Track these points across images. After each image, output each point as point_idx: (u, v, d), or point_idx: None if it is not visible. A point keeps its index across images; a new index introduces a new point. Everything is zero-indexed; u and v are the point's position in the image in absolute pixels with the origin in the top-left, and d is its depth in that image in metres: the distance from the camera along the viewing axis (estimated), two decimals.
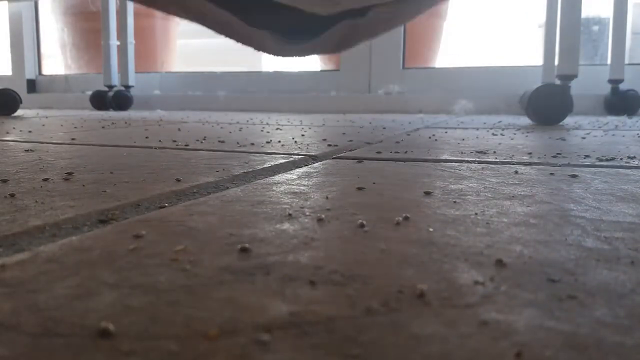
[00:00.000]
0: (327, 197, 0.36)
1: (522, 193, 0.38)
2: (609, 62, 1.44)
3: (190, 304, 0.19)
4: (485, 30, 2.27)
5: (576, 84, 1.22)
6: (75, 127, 1.04)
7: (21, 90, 2.12)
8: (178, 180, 0.43)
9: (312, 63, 2.16)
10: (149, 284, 0.20)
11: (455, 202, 0.35)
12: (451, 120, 1.28)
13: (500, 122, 1.22)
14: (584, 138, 0.81)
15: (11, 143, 0.73)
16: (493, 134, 0.87)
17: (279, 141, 0.74)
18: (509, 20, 2.30)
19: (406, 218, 0.30)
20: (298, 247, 0.25)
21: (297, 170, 0.49)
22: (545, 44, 1.46)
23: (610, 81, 1.45)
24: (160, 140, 0.76)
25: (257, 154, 0.59)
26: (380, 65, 1.83)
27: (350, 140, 0.76)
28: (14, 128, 1.02)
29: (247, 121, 1.25)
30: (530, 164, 0.53)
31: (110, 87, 1.98)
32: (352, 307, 0.18)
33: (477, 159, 0.56)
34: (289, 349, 0.15)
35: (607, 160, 0.55)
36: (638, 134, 0.87)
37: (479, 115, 1.52)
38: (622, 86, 1.46)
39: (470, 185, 0.41)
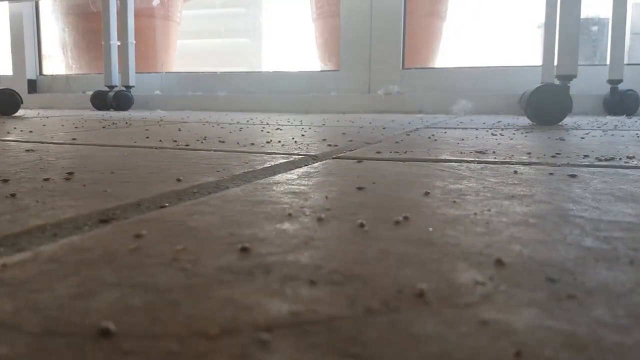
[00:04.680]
0: (327, 197, 0.36)
1: (521, 193, 0.38)
2: (608, 62, 1.44)
3: (190, 304, 0.19)
4: (484, 30, 2.27)
5: (575, 84, 1.22)
6: (76, 127, 1.04)
7: (22, 90, 2.12)
8: (178, 180, 0.43)
9: (312, 63, 2.16)
10: (149, 283, 0.20)
11: (454, 202, 0.35)
12: (450, 121, 1.28)
13: (499, 122, 1.22)
14: (583, 138, 0.81)
15: (12, 143, 0.73)
16: (492, 134, 0.87)
17: (279, 141, 0.74)
18: (508, 20, 2.30)
19: (406, 218, 0.31)
20: (298, 247, 0.25)
21: (297, 170, 0.49)
22: (544, 44, 1.46)
23: (610, 81, 1.45)
24: (160, 140, 0.76)
25: (258, 154, 0.59)
26: (380, 66, 1.83)
27: (350, 140, 0.76)
28: (14, 128, 1.02)
29: (247, 121, 1.25)
30: (529, 163, 0.53)
31: (111, 87, 1.98)
32: (352, 307, 0.18)
33: (477, 159, 0.56)
34: (289, 348, 0.15)
35: (606, 160, 0.55)
36: (637, 133, 0.87)
37: (478, 116, 1.52)
38: (621, 86, 1.46)
39: (469, 185, 0.41)
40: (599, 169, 0.49)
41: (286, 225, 0.29)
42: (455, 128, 1.03)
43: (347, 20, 1.86)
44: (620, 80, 1.44)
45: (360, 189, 0.40)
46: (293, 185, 0.41)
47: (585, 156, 0.58)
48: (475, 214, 0.32)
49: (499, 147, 0.67)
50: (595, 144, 0.71)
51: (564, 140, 0.78)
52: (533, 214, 0.32)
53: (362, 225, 0.29)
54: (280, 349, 0.15)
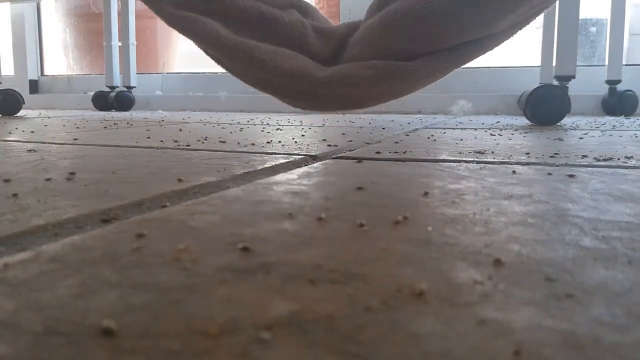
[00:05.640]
0: (326, 197, 0.37)
1: (520, 193, 0.38)
2: (606, 63, 1.44)
3: (191, 303, 0.19)
4: None
5: (574, 84, 1.22)
6: (77, 128, 1.04)
7: (23, 90, 2.12)
8: (179, 180, 0.43)
9: None
10: (150, 282, 0.21)
11: (453, 201, 0.35)
12: (449, 121, 1.28)
13: (498, 122, 1.22)
14: (581, 138, 0.81)
15: (14, 143, 0.73)
16: (491, 134, 0.87)
17: (280, 141, 0.74)
18: None
19: (405, 217, 0.31)
20: (298, 246, 0.25)
21: (298, 170, 0.49)
22: (543, 45, 1.46)
23: (608, 82, 1.45)
24: (161, 141, 0.76)
25: (258, 154, 0.59)
26: None
27: (350, 141, 0.76)
28: (16, 128, 1.02)
29: (248, 121, 1.25)
30: (528, 164, 0.53)
31: (112, 87, 1.98)
32: (351, 306, 0.18)
33: (476, 159, 0.56)
34: (289, 347, 0.16)
35: (604, 160, 0.55)
36: (635, 134, 0.87)
37: (477, 116, 1.52)
38: (620, 87, 1.46)
39: (468, 185, 0.41)
40: (597, 169, 0.49)
41: (286, 225, 0.29)
42: (454, 128, 1.03)
43: (347, 20, 1.86)
44: (619, 81, 1.44)
45: (360, 189, 0.40)
46: (293, 185, 0.41)
47: (584, 156, 0.58)
48: (474, 213, 0.32)
49: (497, 148, 0.67)
50: (593, 144, 0.71)
51: (562, 140, 0.78)
52: (532, 214, 0.32)
53: (361, 225, 0.29)
54: (280, 347, 0.16)
